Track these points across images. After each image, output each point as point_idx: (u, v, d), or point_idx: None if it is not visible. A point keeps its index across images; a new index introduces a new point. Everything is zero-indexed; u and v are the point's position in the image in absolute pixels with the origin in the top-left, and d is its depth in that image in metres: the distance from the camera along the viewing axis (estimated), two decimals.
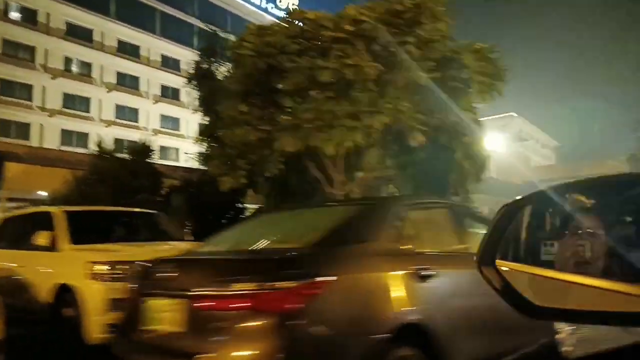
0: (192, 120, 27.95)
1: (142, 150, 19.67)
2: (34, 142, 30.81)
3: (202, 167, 15.88)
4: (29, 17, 32.62)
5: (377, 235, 3.19)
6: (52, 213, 6.61)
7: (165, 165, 27.40)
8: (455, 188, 14.97)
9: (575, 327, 4.99)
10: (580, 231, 0.95)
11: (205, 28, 17.31)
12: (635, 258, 0.84)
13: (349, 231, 3.22)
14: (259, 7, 44.16)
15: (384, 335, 2.70)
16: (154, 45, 38.65)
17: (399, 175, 16.02)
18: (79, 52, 34.57)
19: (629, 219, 0.93)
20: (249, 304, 2.54)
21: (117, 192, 16.72)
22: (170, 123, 38.99)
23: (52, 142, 31.25)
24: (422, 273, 3.04)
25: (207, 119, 13.56)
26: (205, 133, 12.51)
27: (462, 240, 3.74)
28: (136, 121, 37.21)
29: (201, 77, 15.51)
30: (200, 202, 16.05)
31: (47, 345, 5.88)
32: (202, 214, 15.38)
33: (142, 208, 9.07)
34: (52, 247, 6.02)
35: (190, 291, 2.77)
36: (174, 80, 35.06)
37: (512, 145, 39.55)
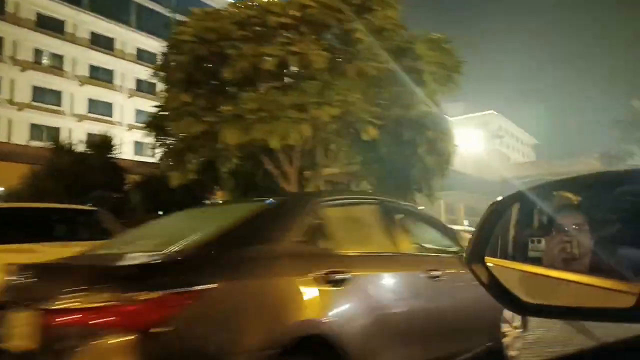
0: None
1: (102, 144, 18.94)
2: (1, 137, 29.89)
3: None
4: None
5: (283, 235, 2.84)
6: None
7: (137, 160, 26.79)
8: (419, 184, 14.52)
9: (522, 331, 4.57)
10: (567, 228, 0.95)
11: (172, 17, 16.63)
12: (621, 255, 0.85)
13: (247, 231, 2.86)
14: None
15: (274, 350, 2.35)
16: (129, 37, 37.78)
17: (362, 171, 15.55)
18: (50, 43, 33.63)
19: (615, 216, 0.93)
20: (104, 319, 2.18)
21: (71, 188, 16.06)
22: (146, 117, 38.16)
23: (20, 137, 30.35)
24: (336, 277, 2.71)
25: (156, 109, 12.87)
26: (152, 124, 11.82)
27: (392, 240, 3.42)
28: (110, 115, 36.36)
29: (167, 69, 14.84)
30: (162, 199, 15.42)
31: None
32: (163, 211, 14.73)
33: (97, 205, 8.62)
34: None
35: (42, 303, 2.40)
36: (150, 74, 34.23)
37: (491, 143, 39.36)
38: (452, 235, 4.23)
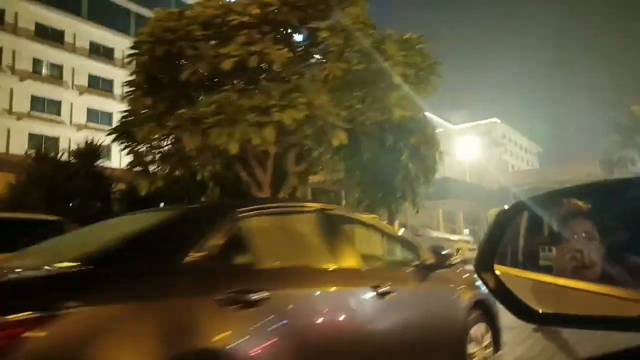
0: None
1: (87, 152, 18.58)
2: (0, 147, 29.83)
3: None
4: None
5: (185, 249, 2.40)
6: None
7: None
8: (404, 192, 13.91)
9: (493, 350, 4.02)
10: (577, 236, 0.93)
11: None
12: (632, 263, 0.83)
13: (139, 244, 2.45)
14: None
15: None
16: (124, 45, 37.74)
17: (346, 179, 14.99)
18: (49, 53, 33.69)
19: (624, 223, 0.91)
20: None
21: (51, 197, 15.70)
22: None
23: (19, 146, 30.25)
24: (248, 297, 2.30)
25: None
26: (120, 129, 11.39)
27: (330, 254, 3.09)
28: (110, 124, 36.21)
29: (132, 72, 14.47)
30: (149, 207, 14.89)
31: None
32: None
33: (77, 214, 8.27)
34: None
35: None
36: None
37: (493, 150, 38.53)
38: (411, 248, 3.84)
